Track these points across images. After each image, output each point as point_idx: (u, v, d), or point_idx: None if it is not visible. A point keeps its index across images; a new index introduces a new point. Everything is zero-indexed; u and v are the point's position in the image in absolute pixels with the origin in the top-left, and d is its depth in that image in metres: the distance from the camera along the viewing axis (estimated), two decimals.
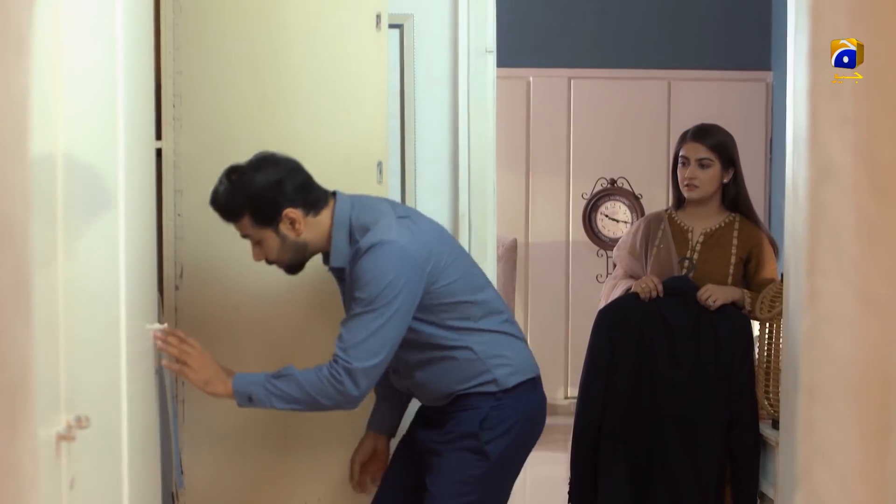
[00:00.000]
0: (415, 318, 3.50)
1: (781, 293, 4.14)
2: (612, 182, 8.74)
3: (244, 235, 3.52)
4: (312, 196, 3.49)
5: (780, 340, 4.24)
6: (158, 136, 3.74)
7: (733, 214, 4.58)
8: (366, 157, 3.88)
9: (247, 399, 3.41)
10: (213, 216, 3.84)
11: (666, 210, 4.74)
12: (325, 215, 3.50)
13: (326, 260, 3.59)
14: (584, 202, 8.81)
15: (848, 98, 1.32)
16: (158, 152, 3.74)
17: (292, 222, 3.45)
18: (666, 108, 9.00)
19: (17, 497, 1.25)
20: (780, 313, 4.20)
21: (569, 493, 4.65)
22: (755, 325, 4.50)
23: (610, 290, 4.75)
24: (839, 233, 1.25)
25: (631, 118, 8.97)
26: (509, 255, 8.42)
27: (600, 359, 4.50)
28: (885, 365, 1.22)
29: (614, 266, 4.99)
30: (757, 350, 4.46)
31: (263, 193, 3.42)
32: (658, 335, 4.44)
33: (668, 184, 8.76)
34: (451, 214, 4.31)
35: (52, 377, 2.00)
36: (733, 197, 4.58)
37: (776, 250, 4.62)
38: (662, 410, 4.42)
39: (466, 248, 4.29)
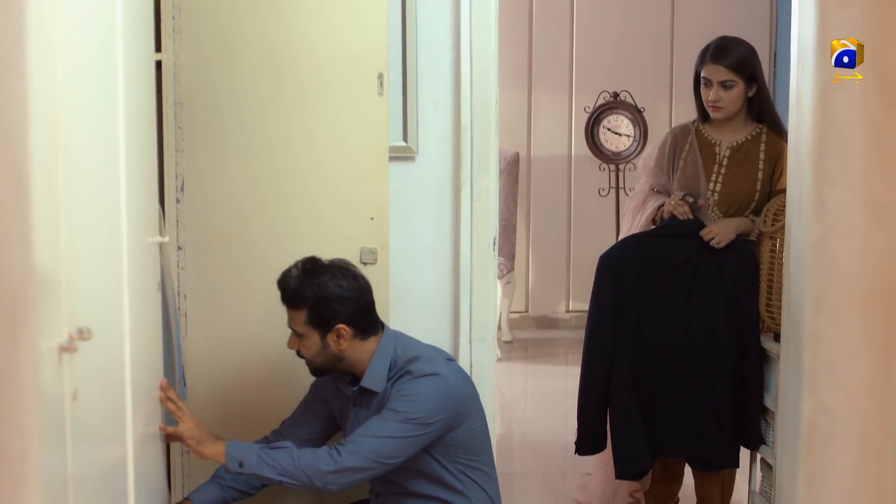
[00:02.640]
0: (432, 457, 3.61)
1: (785, 207, 4.13)
2: (615, 95, 8.69)
3: (291, 326, 3.61)
4: (369, 322, 3.63)
5: (783, 254, 4.23)
6: (158, 49, 3.71)
7: (760, 126, 4.54)
8: (366, 69, 3.84)
9: (237, 464, 3.47)
10: (214, 128, 3.83)
11: (693, 122, 4.69)
12: (370, 342, 3.63)
13: (353, 381, 3.67)
14: (586, 116, 8.77)
15: (857, 6, 1.30)
16: (158, 65, 3.71)
17: (339, 336, 3.57)
18: (669, 19, 8.93)
19: (17, 407, 1.25)
20: (783, 227, 4.20)
21: (576, 442, 4.63)
22: None
23: (640, 206, 4.71)
24: (847, 143, 1.24)
25: (634, 30, 8.89)
26: (511, 168, 8.40)
27: (606, 306, 4.47)
28: (892, 276, 1.21)
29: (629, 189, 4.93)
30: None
31: (330, 300, 3.54)
32: (662, 275, 4.43)
33: (671, 97, 8.80)
34: (452, 127, 4.28)
35: (53, 289, 2.00)
36: (758, 108, 4.54)
37: None
38: (673, 350, 4.42)
39: (469, 162, 4.28)
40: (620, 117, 8.71)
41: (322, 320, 3.55)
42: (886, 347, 1.21)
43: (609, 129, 8.70)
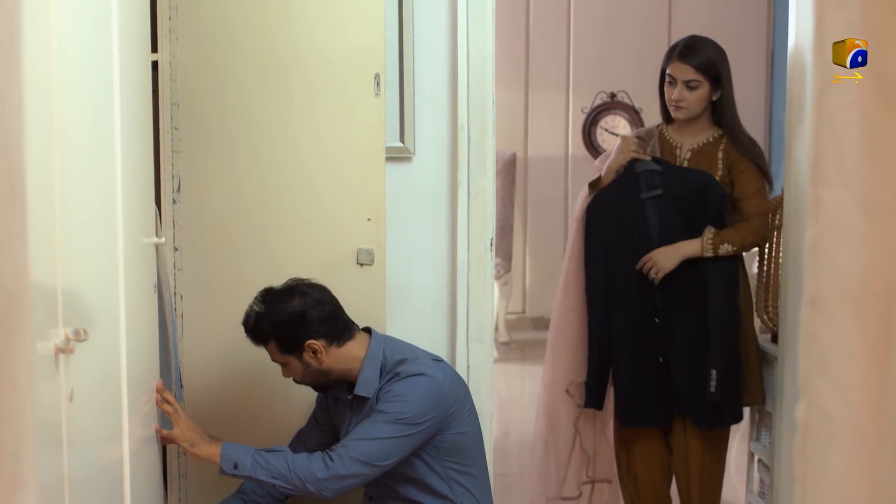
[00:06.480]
0: (422, 461, 3.61)
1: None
2: (612, 96, 8.69)
3: (273, 360, 3.64)
4: (337, 327, 3.62)
5: (781, 255, 4.23)
6: (154, 49, 3.70)
7: (720, 130, 4.49)
8: (363, 69, 3.84)
9: (231, 465, 3.49)
10: (210, 128, 3.83)
11: (658, 126, 4.66)
12: (350, 347, 3.64)
13: (349, 389, 3.67)
14: (583, 116, 8.76)
15: (854, 6, 1.30)
16: (154, 65, 3.71)
17: (314, 352, 3.58)
18: (667, 19, 8.93)
19: (13, 408, 1.25)
20: (780, 227, 4.20)
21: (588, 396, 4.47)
22: None
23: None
24: (843, 143, 1.24)
25: (631, 30, 8.89)
26: (508, 169, 8.40)
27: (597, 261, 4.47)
28: (888, 275, 1.21)
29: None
30: (757, 264, 4.45)
31: (287, 324, 3.56)
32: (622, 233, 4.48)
33: None
34: (449, 127, 4.28)
35: (49, 290, 1.99)
36: (720, 114, 4.48)
37: (766, 174, 4.48)
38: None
39: (466, 163, 4.27)
40: (617, 118, 8.71)
41: (290, 344, 3.57)
42: (882, 347, 1.21)
43: (606, 130, 8.70)
